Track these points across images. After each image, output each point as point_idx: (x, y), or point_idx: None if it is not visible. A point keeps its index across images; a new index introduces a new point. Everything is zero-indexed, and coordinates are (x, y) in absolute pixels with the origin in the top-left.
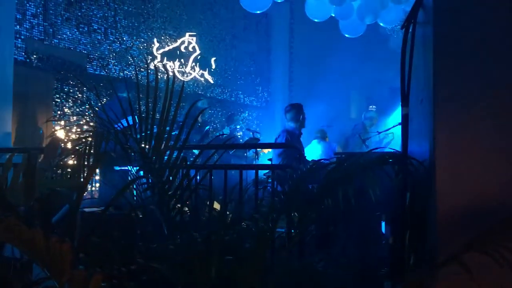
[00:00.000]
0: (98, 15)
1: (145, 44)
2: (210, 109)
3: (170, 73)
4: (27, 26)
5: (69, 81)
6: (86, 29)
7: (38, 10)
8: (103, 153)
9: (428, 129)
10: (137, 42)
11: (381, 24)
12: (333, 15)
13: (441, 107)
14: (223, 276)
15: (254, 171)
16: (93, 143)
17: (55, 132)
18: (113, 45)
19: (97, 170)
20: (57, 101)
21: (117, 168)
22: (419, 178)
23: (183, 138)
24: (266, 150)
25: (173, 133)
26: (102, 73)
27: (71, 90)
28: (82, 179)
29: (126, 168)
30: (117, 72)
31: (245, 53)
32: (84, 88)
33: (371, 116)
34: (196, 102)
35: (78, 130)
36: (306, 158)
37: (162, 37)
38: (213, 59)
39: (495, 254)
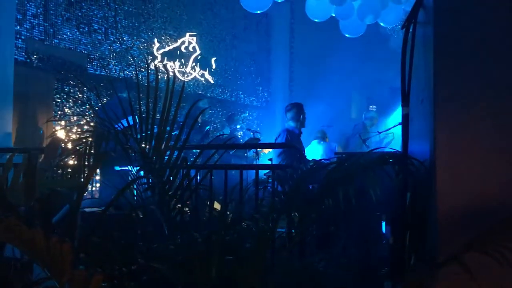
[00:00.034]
0: (98, 15)
1: (145, 44)
2: (211, 109)
3: (171, 73)
4: (28, 26)
5: (69, 81)
6: (86, 29)
7: (39, 10)
8: (103, 153)
9: (429, 129)
10: (138, 42)
11: (382, 24)
12: (334, 15)
13: (441, 107)
14: (224, 276)
15: (254, 171)
16: (93, 143)
17: (56, 132)
18: (114, 45)
19: (98, 170)
20: (58, 101)
21: (118, 168)
22: (420, 178)
23: (184, 138)
24: (266, 150)
25: (173, 133)
26: (102, 73)
27: (71, 90)
28: (82, 179)
29: (127, 168)
30: (118, 72)
31: (246, 53)
32: (85, 88)
33: (371, 116)
34: (197, 102)
35: (79, 130)
36: (307, 157)
37: (163, 37)
38: (213, 59)
39: (495, 254)
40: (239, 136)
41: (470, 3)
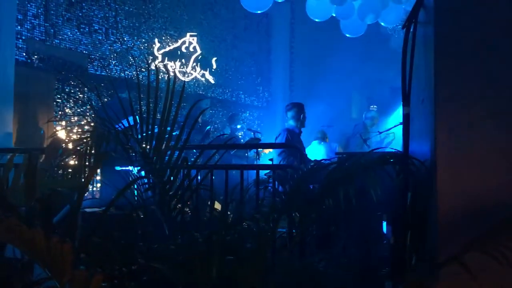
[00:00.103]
0: (99, 16)
1: (146, 44)
2: (211, 109)
3: (171, 73)
4: (28, 27)
5: (70, 81)
6: (87, 29)
7: (39, 11)
8: (104, 153)
9: (429, 129)
10: (138, 42)
11: (382, 23)
12: (334, 15)
13: (441, 107)
14: (224, 276)
15: (255, 171)
16: (94, 143)
17: (56, 132)
18: (114, 45)
19: (98, 171)
20: (58, 102)
21: (118, 168)
22: (420, 178)
23: (184, 138)
24: (267, 150)
25: (174, 133)
26: (103, 73)
27: (72, 91)
28: (83, 180)
29: (127, 168)
30: (118, 72)
31: (246, 53)
32: (85, 89)
33: (372, 116)
34: (199, 102)
35: (79, 130)
36: (307, 157)
37: (163, 37)
38: (214, 59)
39: (495, 254)
40: (240, 136)
41: (470, 3)
